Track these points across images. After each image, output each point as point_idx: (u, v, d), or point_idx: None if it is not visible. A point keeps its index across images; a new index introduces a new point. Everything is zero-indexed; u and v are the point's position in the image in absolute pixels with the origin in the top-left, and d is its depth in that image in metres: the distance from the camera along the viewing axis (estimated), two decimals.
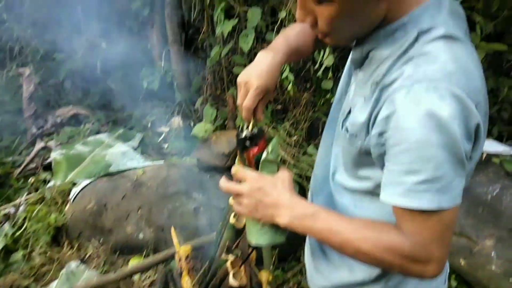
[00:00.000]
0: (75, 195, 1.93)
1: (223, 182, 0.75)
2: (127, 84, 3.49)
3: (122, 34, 3.61)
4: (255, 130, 0.78)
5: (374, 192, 0.72)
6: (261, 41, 3.31)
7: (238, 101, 0.78)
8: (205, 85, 3.23)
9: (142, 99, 3.58)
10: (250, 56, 3.33)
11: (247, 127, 0.78)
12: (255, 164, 0.77)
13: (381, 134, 0.62)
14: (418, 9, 0.64)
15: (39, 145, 2.63)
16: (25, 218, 1.90)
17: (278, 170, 0.77)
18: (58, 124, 3.24)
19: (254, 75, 0.76)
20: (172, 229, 1.55)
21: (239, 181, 0.74)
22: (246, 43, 2.35)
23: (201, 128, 2.64)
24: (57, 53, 3.42)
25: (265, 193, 0.70)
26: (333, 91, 2.78)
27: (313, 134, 3.26)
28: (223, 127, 2.69)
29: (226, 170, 1.87)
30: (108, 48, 3.44)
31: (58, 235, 1.94)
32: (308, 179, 2.25)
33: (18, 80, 3.25)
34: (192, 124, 3.25)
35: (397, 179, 0.61)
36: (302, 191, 2.17)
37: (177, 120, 3.31)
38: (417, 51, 0.62)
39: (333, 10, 0.61)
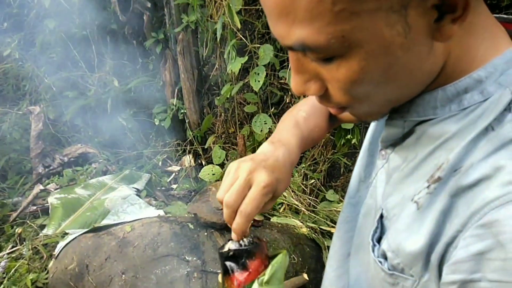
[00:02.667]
0: (60, 250, 1.73)
1: None
2: (138, 122, 3.38)
3: (135, 71, 3.55)
4: (246, 241, 0.51)
5: None
6: (274, 78, 3.15)
7: (222, 195, 0.51)
8: (217, 124, 3.06)
9: (153, 137, 3.45)
10: (264, 94, 3.16)
11: (236, 240, 0.51)
12: None
13: (466, 282, 0.35)
14: (501, 57, 0.39)
15: (38, 188, 2.49)
16: (5, 277, 1.71)
17: None
18: (66, 163, 3.13)
19: (262, 166, 0.50)
20: None
21: None
22: (256, 81, 2.17)
23: (208, 171, 2.43)
24: (69, 91, 3.37)
25: None
26: (353, 131, 2.52)
27: (333, 177, 2.98)
28: None
29: (225, 228, 1.62)
30: (120, 86, 3.36)
31: None
32: (324, 234, 1.97)
33: (28, 118, 3.20)
34: (204, 163, 3.06)
35: None
36: (317, 248, 1.89)
37: (187, 160, 3.13)
38: None
39: (355, 67, 0.36)
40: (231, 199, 0.49)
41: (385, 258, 0.44)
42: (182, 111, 3.21)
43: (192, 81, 3.16)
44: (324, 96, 0.43)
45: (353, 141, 2.53)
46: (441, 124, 0.42)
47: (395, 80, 0.38)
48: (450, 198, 0.38)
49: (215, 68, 3.02)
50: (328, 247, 1.93)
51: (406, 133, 0.46)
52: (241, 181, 0.49)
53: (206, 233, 1.59)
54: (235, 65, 2.28)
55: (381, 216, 0.47)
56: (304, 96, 0.62)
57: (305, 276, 1.68)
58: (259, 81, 2.18)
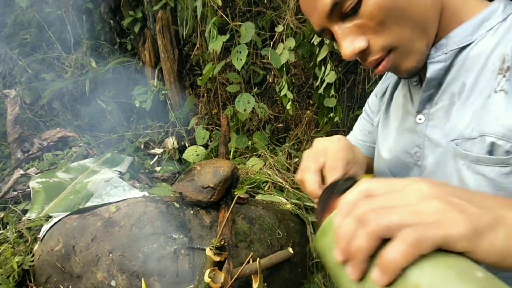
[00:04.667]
0: (44, 233, 1.71)
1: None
2: (118, 104, 3.31)
3: (113, 52, 3.46)
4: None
5: None
6: (256, 57, 3.13)
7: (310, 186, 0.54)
8: (199, 105, 3.03)
9: (134, 120, 3.39)
10: (247, 73, 3.14)
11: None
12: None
13: None
14: (493, 5, 0.56)
15: (18, 172, 2.43)
16: None
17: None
18: (45, 147, 3.06)
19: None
20: (143, 282, 1.32)
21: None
22: (238, 60, 2.15)
23: (192, 152, 2.43)
24: (45, 73, 3.27)
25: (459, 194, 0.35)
26: (336, 109, 2.55)
27: None
28: (216, 151, 2.47)
29: (211, 206, 1.63)
30: (98, 67, 3.27)
31: (26, 279, 1.72)
32: (308, 209, 2.01)
33: (3, 102, 3.10)
34: (187, 145, 3.05)
35: None
36: (301, 223, 1.93)
37: (170, 141, 3.10)
38: None
39: None
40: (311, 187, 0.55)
41: (491, 153, 0.49)
42: (163, 92, 3.16)
43: (172, 61, 3.11)
44: (368, 50, 0.53)
45: (336, 119, 2.56)
46: (479, 45, 0.54)
47: (414, 19, 0.51)
48: None
49: (196, 47, 2.97)
50: (312, 221, 1.97)
51: (446, 69, 0.56)
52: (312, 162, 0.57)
53: (192, 212, 1.60)
54: (216, 44, 2.24)
55: (456, 145, 0.54)
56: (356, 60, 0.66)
57: (290, 250, 1.72)
58: (241, 60, 2.17)
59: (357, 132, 0.87)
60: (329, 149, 0.54)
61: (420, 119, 0.61)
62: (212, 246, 1.16)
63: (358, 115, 3.23)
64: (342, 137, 0.55)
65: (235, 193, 1.77)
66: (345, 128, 3.06)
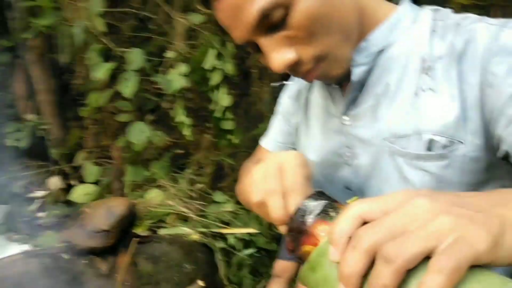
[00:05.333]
0: None
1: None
2: None
3: None
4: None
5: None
6: (147, 83, 3.01)
7: (276, 214, 0.47)
8: (86, 138, 2.77)
9: (8, 161, 2.93)
10: (138, 100, 2.99)
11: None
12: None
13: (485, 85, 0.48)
14: (400, 8, 0.62)
15: None
16: None
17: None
18: None
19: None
20: None
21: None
22: (126, 87, 2.02)
23: (81, 191, 2.18)
24: None
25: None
26: (234, 132, 2.57)
27: (220, 179, 2.99)
28: (110, 188, 2.26)
29: (108, 251, 1.46)
30: None
31: None
32: (216, 236, 1.95)
33: None
34: (75, 184, 2.73)
35: None
36: (209, 252, 1.85)
37: (54, 182, 2.75)
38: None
39: (303, 7, 0.49)
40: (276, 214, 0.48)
41: (430, 149, 0.51)
42: (41, 127, 2.81)
43: (51, 92, 2.79)
44: (299, 62, 0.53)
45: (235, 141, 2.58)
46: (397, 46, 0.57)
47: (340, 26, 0.51)
48: (456, 64, 0.50)
49: (77, 76, 2.72)
50: (220, 248, 1.91)
51: (368, 71, 0.58)
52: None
53: (84, 261, 1.41)
54: (100, 72, 2.08)
55: (391, 143, 0.56)
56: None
57: (200, 282, 1.62)
58: (130, 88, 2.04)
59: (276, 135, 0.84)
60: (285, 167, 0.48)
61: (346, 120, 0.62)
62: None
63: (255, 135, 3.31)
64: (297, 153, 0.51)
65: (135, 233, 1.62)
66: (244, 149, 3.10)
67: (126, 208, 1.51)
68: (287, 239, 0.42)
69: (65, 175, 2.82)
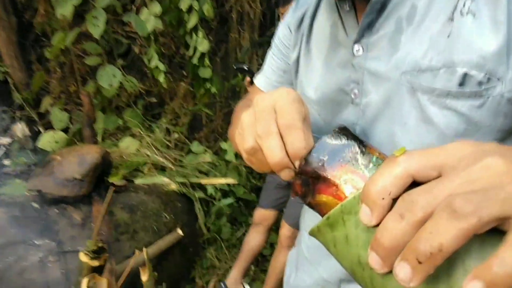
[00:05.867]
0: None
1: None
2: None
3: None
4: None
5: None
6: (118, 25, 2.79)
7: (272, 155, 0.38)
8: (52, 82, 2.58)
9: None
10: (108, 43, 2.79)
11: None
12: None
13: None
14: None
15: None
16: None
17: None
18: None
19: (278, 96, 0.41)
20: None
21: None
22: (95, 26, 1.85)
23: (49, 138, 2.06)
24: None
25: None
26: (212, 80, 2.46)
27: (196, 129, 2.92)
28: (80, 135, 2.14)
29: (81, 200, 1.40)
30: None
31: None
32: (195, 186, 1.91)
33: None
34: (42, 131, 2.58)
35: None
36: (188, 202, 1.83)
37: (19, 128, 2.59)
38: None
39: None
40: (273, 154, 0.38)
41: (461, 84, 0.44)
42: (2, 70, 2.58)
43: (10, 31, 2.54)
44: None
45: (213, 90, 2.48)
46: None
47: None
48: None
49: (39, 14, 2.47)
50: (199, 198, 1.89)
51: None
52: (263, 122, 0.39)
53: (57, 210, 1.34)
54: (66, 9, 1.89)
55: (412, 77, 0.47)
56: None
57: (180, 231, 1.61)
58: (98, 26, 1.87)
59: (270, 73, 0.74)
60: (279, 105, 0.40)
61: (357, 50, 0.53)
62: (87, 251, 0.98)
63: (234, 85, 3.20)
64: (289, 89, 0.42)
65: (110, 181, 1.56)
66: (222, 99, 3.01)
67: (99, 156, 1.43)
68: (296, 182, 0.35)
69: (31, 122, 2.66)
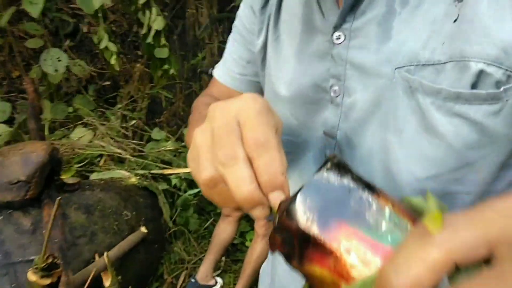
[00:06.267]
0: None
1: None
2: None
3: None
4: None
5: None
6: (62, 2, 2.54)
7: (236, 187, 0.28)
8: None
9: None
10: (52, 22, 2.53)
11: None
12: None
13: None
14: None
15: None
16: None
17: None
18: None
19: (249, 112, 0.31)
20: None
21: None
22: (32, 4, 1.63)
23: None
24: None
25: None
26: (169, 60, 2.30)
27: (156, 114, 2.75)
28: (26, 127, 1.94)
29: (29, 204, 1.26)
30: None
31: None
32: (157, 178, 1.80)
33: None
34: None
35: None
36: (151, 195, 1.71)
37: None
38: None
39: None
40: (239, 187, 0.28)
41: (475, 85, 0.35)
42: None
43: None
44: None
45: (171, 71, 2.32)
46: None
47: None
48: None
49: None
50: (163, 190, 1.78)
51: None
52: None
53: (1, 217, 1.19)
54: None
55: (409, 73, 0.38)
56: None
57: (143, 229, 1.51)
58: (37, 4, 1.65)
59: (231, 63, 0.61)
60: (243, 117, 0.31)
61: (338, 37, 0.43)
62: (36, 268, 0.86)
63: (194, 65, 3.04)
64: (255, 95, 0.32)
65: (61, 179, 1.41)
66: (182, 81, 2.85)
67: (46, 154, 1.27)
68: (275, 235, 0.26)
69: None
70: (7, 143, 1.89)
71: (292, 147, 0.51)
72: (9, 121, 2.08)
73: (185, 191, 1.82)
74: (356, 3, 0.41)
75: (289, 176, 0.45)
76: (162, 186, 1.73)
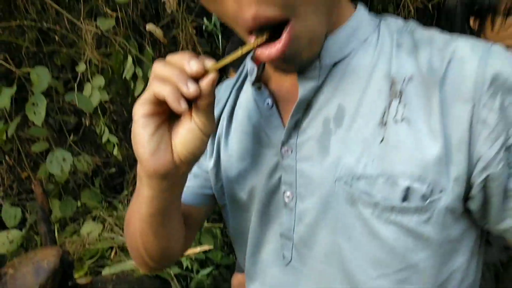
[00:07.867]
0: None
1: None
2: None
3: None
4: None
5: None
6: (63, 102, 2.70)
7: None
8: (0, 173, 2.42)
9: None
10: (56, 123, 2.68)
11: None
12: None
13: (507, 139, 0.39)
14: (358, 9, 0.48)
15: None
16: None
17: None
18: None
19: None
20: None
21: None
22: (36, 114, 1.76)
23: (3, 240, 1.89)
24: None
25: None
26: None
27: None
28: (37, 227, 1.98)
29: None
30: None
31: None
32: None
33: None
34: None
35: None
36: (163, 282, 1.70)
37: None
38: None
39: None
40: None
41: (405, 199, 0.40)
42: None
43: None
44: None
45: None
46: (355, 60, 0.45)
47: None
48: (438, 91, 0.39)
49: None
50: (175, 274, 1.77)
51: (318, 89, 0.45)
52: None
53: None
54: (2, 101, 1.79)
55: (347, 184, 0.43)
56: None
57: None
58: (40, 113, 1.78)
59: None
60: None
61: (286, 151, 0.48)
62: None
63: None
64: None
65: (73, 281, 1.42)
66: None
67: (57, 260, 1.30)
68: None
69: None
70: (21, 245, 1.93)
71: (252, 245, 0.55)
72: (21, 222, 2.13)
73: (197, 271, 1.81)
74: (298, 123, 0.47)
75: (249, 277, 0.50)
76: (174, 270, 1.73)
